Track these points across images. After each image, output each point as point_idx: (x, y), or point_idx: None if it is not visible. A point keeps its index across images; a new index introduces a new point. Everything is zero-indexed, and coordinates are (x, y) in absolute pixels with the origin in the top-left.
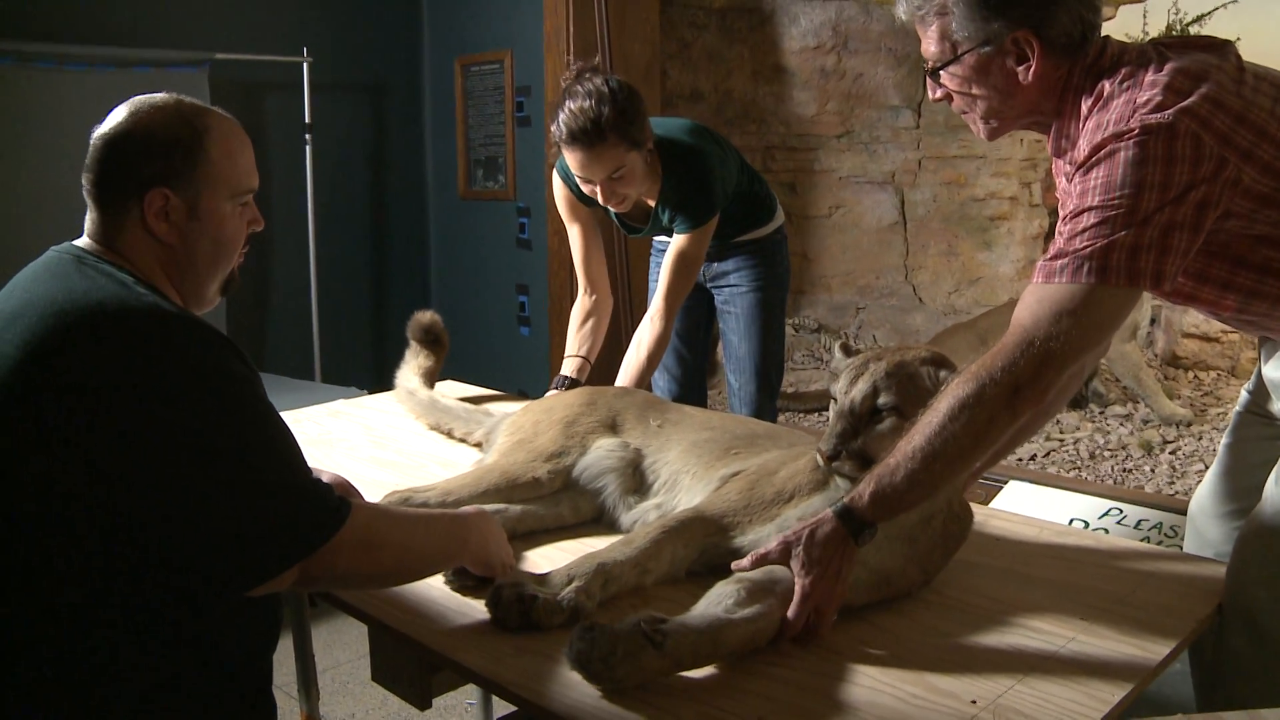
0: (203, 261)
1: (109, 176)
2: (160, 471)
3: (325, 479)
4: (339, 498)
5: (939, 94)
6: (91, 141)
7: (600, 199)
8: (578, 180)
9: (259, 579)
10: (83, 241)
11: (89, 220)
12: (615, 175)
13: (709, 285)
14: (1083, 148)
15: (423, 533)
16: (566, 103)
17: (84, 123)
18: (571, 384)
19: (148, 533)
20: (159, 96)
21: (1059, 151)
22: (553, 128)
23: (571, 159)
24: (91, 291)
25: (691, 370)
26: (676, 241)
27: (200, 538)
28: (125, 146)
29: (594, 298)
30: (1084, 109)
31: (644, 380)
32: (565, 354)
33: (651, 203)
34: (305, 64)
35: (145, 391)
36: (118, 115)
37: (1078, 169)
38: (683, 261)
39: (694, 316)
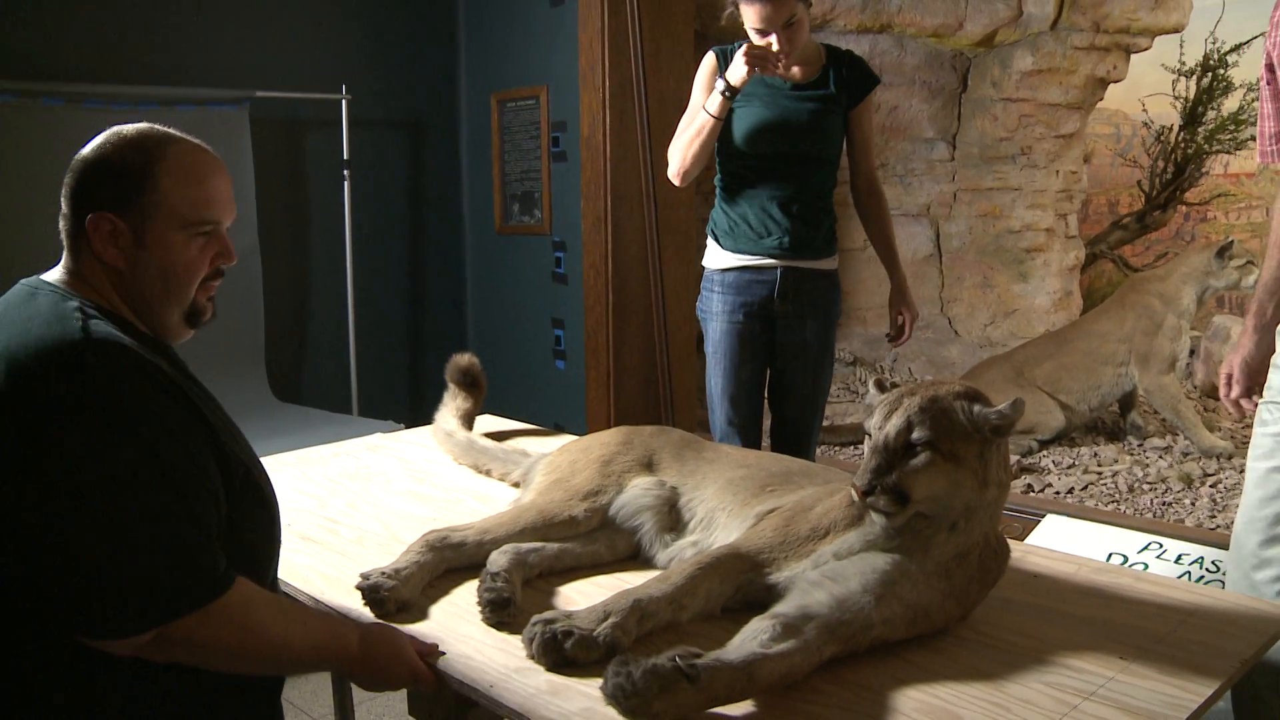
0: (150, 291)
1: (67, 202)
2: (39, 500)
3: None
4: (223, 567)
5: None
6: None
7: (776, 45)
8: (754, 33)
9: (113, 632)
10: (50, 273)
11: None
12: (790, 23)
13: (779, 317)
14: None
15: (300, 631)
16: None
17: None
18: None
19: (27, 564)
20: (131, 126)
21: None
22: None
23: (753, 12)
24: (24, 323)
25: (753, 415)
26: (863, 116)
27: (63, 578)
28: (80, 173)
29: None
30: None
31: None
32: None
33: (799, 71)
34: (344, 101)
35: (40, 421)
36: (93, 141)
37: None
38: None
39: (760, 361)
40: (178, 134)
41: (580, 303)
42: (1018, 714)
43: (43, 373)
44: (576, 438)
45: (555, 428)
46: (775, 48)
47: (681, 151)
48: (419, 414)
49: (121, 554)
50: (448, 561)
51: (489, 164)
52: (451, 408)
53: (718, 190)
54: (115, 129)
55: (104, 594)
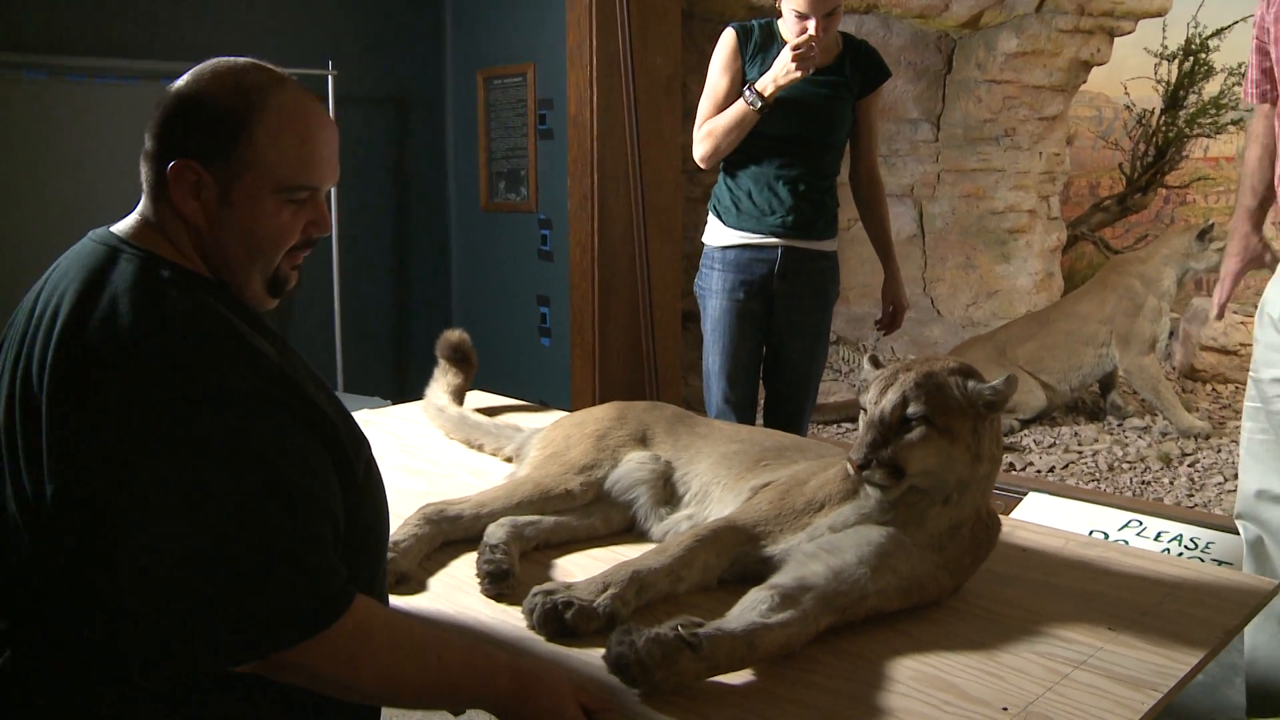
0: (231, 254)
1: (153, 140)
2: (122, 513)
3: None
4: (337, 586)
5: None
6: None
7: (814, 30)
8: (793, 14)
9: (198, 664)
10: (124, 223)
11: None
12: (831, 12)
13: (778, 296)
14: None
15: (430, 666)
16: None
17: (114, 136)
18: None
19: (106, 581)
20: (235, 62)
21: None
22: None
23: None
24: (110, 302)
25: (750, 393)
26: (872, 106)
27: (140, 599)
28: (171, 109)
29: None
30: None
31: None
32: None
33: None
34: (330, 76)
35: (121, 417)
36: (190, 73)
37: None
38: (878, 122)
39: (758, 339)
40: (284, 76)
41: (566, 280)
42: (1011, 683)
43: (132, 363)
44: (568, 413)
45: (540, 404)
46: (810, 33)
47: (716, 140)
48: (405, 390)
49: (210, 574)
50: (445, 534)
51: (475, 141)
52: (442, 383)
53: (722, 166)
54: (218, 62)
55: (188, 621)
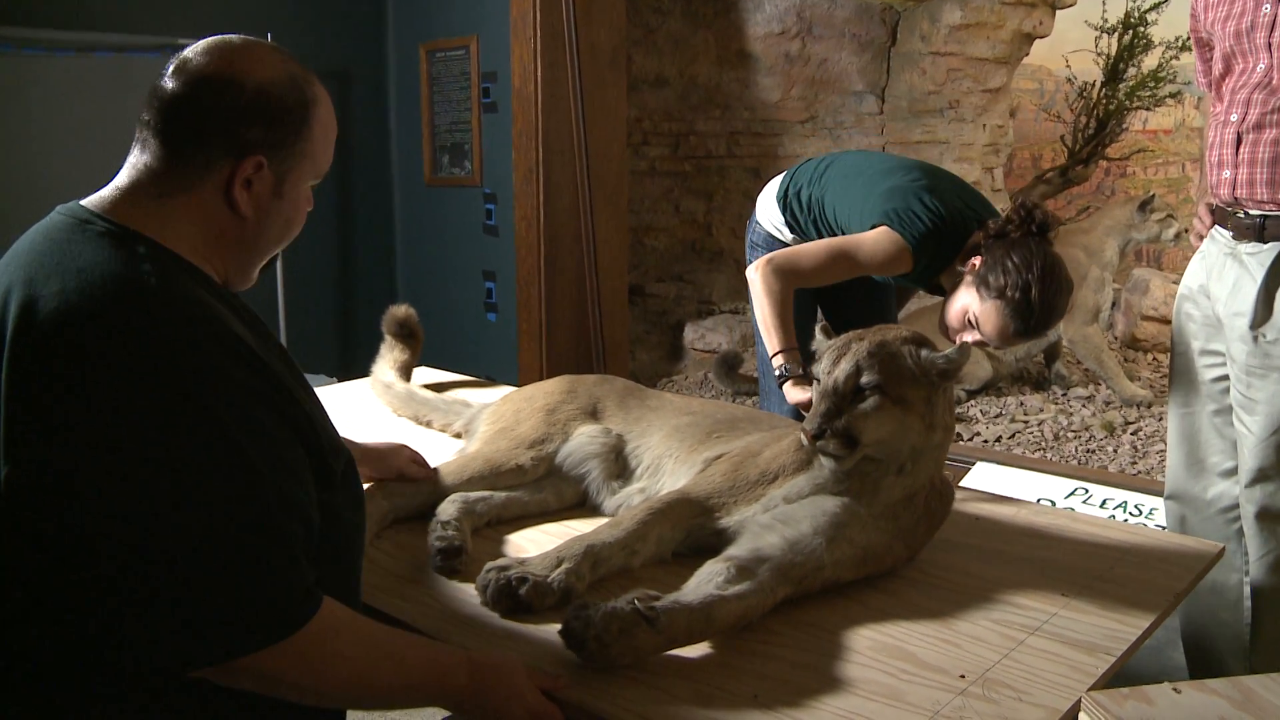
0: (268, 241)
1: (201, 122)
2: (83, 502)
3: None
4: (305, 590)
5: None
6: (171, 72)
7: (970, 340)
8: (968, 322)
9: (155, 667)
10: (98, 197)
11: (137, 166)
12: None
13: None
14: None
15: (391, 669)
16: (1043, 287)
17: (46, 108)
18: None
19: (57, 570)
20: (259, 42)
21: None
22: (1011, 301)
23: (994, 328)
24: (81, 280)
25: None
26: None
27: (98, 594)
28: (232, 97)
29: None
30: None
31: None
32: (786, 345)
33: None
34: None
35: (92, 404)
36: (212, 55)
37: None
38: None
39: (807, 324)
40: (305, 66)
41: (512, 255)
42: (968, 650)
43: (107, 347)
44: (517, 388)
45: (487, 379)
46: (971, 338)
47: (756, 298)
48: (350, 368)
49: (172, 573)
50: (396, 511)
51: (418, 115)
52: (389, 360)
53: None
54: (243, 44)
55: (148, 621)
